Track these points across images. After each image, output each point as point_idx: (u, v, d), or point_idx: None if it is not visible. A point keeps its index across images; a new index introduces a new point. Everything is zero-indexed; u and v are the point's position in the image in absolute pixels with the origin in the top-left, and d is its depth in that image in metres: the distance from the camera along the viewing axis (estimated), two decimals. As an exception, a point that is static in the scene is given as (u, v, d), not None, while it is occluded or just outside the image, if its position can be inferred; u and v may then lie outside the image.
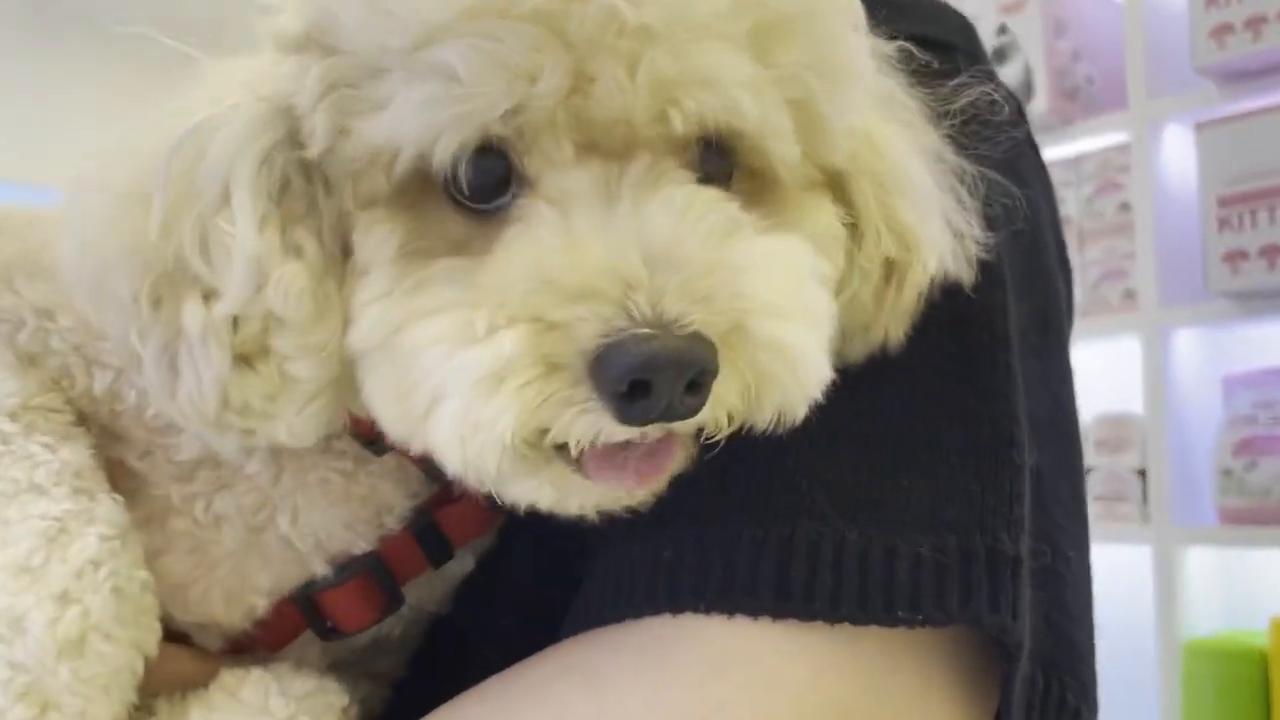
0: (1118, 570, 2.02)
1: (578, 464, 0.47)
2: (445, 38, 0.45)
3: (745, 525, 0.53)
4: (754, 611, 0.50)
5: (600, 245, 0.45)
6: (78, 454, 0.57)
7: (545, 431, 0.45)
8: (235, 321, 0.49)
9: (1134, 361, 2.26)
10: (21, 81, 4.33)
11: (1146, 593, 2.21)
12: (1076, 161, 2.39)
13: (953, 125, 0.59)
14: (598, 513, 0.51)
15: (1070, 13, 2.43)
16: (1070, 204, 2.38)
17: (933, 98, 0.60)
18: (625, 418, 0.44)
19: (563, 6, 0.44)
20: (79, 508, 0.55)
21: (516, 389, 0.44)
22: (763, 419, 0.49)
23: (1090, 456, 2.28)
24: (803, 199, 0.53)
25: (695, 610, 0.51)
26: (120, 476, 0.60)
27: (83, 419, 0.60)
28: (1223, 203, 2.09)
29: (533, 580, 0.66)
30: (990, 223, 0.58)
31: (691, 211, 0.47)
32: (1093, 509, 0.81)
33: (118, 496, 0.57)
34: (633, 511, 0.51)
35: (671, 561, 0.53)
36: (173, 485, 0.59)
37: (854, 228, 0.54)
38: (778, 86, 0.49)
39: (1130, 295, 2.29)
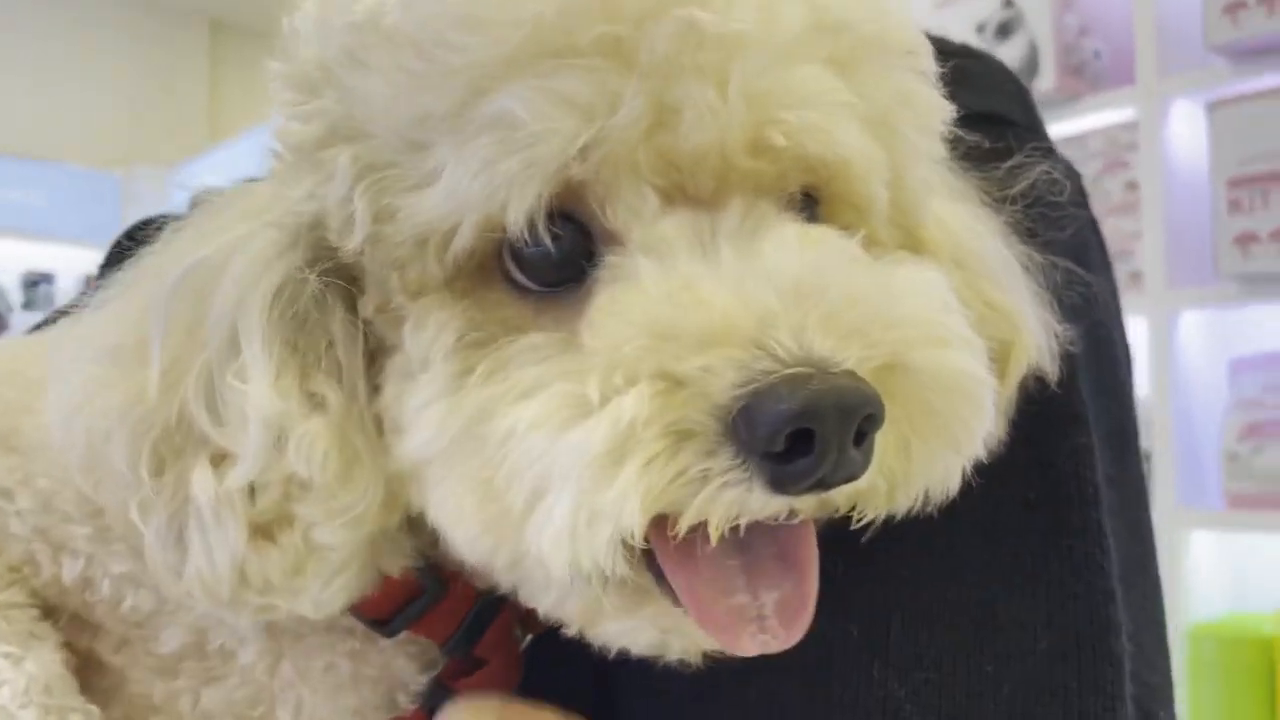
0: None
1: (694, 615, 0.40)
2: (497, 86, 0.39)
3: None
4: None
5: (720, 284, 0.38)
6: (44, 665, 0.50)
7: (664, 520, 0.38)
8: (251, 489, 0.43)
9: (1139, 344, 2.23)
10: None
11: (1151, 577, 2.20)
12: (1082, 139, 2.34)
13: (1014, 210, 0.54)
14: (703, 658, 0.45)
15: (1078, -14, 2.37)
16: (1075, 182, 2.32)
17: (988, 181, 0.54)
18: (782, 483, 0.37)
19: (630, 31, 0.38)
20: None
21: (641, 468, 0.36)
22: (916, 487, 0.42)
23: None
24: (898, 257, 0.47)
25: None
26: (94, 671, 0.53)
27: (50, 610, 0.53)
28: (1234, 184, 2.05)
29: None
30: (1066, 314, 0.52)
31: (812, 244, 0.41)
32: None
33: (93, 708, 0.51)
34: (706, 670, 0.45)
35: None
36: (155, 682, 0.53)
37: None
38: (866, 122, 0.43)
39: (1136, 276, 2.25)
